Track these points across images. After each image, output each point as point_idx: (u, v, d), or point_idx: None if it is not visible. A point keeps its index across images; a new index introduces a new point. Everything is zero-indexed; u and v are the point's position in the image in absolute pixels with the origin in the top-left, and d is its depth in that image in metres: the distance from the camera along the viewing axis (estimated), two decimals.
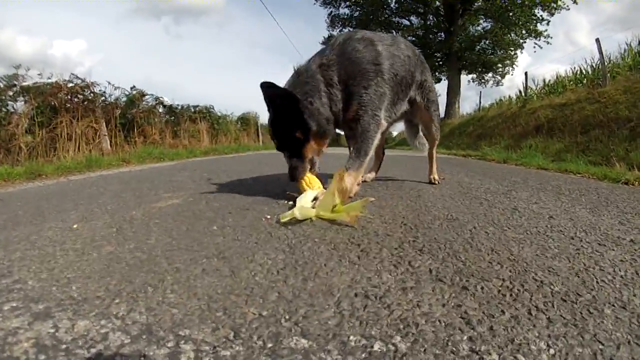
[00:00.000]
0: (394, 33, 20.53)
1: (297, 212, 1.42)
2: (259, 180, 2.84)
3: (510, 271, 0.93)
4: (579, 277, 0.91)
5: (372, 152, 1.88)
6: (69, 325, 0.70)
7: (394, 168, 4.06)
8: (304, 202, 1.53)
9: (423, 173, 3.02)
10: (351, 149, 1.96)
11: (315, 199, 1.59)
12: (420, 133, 2.77)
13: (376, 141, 1.89)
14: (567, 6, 13.76)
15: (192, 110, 10.35)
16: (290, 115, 1.73)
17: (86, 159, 5.31)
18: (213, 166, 4.61)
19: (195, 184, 2.72)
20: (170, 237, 1.30)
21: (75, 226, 1.50)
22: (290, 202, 1.77)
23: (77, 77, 7.23)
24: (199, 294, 0.83)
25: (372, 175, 2.74)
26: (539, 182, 2.97)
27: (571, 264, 1.00)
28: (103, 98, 7.97)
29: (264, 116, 14.63)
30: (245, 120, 14.19)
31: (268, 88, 1.68)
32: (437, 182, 2.64)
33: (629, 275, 0.92)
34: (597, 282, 0.88)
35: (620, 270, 0.95)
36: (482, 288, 0.84)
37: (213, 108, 11.34)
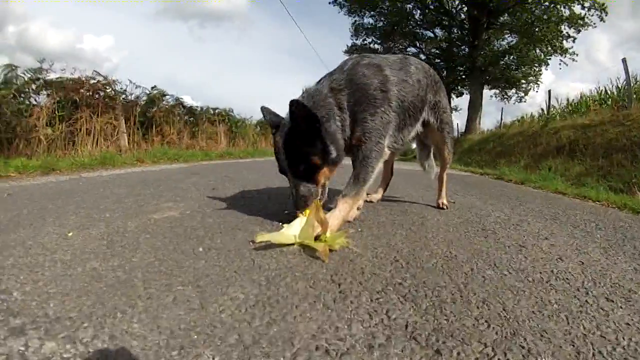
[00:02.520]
0: (418, 44, 20.44)
1: (270, 237, 1.38)
2: (262, 194, 2.80)
3: (496, 333, 0.84)
4: (574, 346, 0.81)
5: (371, 180, 1.81)
6: (38, 345, 0.72)
7: (405, 186, 3.96)
8: (292, 229, 1.46)
9: (434, 194, 2.93)
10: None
11: None
12: (432, 156, 2.69)
13: (377, 169, 1.83)
14: (594, 24, 13.36)
15: (212, 112, 10.47)
16: (310, 138, 1.65)
17: (101, 156, 5.40)
18: (223, 172, 4.61)
19: (199, 193, 2.70)
20: (155, 256, 1.27)
21: (70, 234, 1.51)
22: (285, 225, 1.73)
23: (99, 74, 7.41)
24: (162, 327, 0.81)
25: (378, 195, 2.66)
26: (555, 210, 2.84)
27: (569, 326, 0.91)
28: (124, 96, 8.14)
29: None
30: (265, 125, 14.25)
31: (298, 107, 1.59)
32: (445, 208, 2.54)
33: (632, 346, 0.83)
34: (593, 354, 0.79)
35: (623, 339, 0.86)
36: (457, 354, 0.75)
37: (232, 111, 11.49)
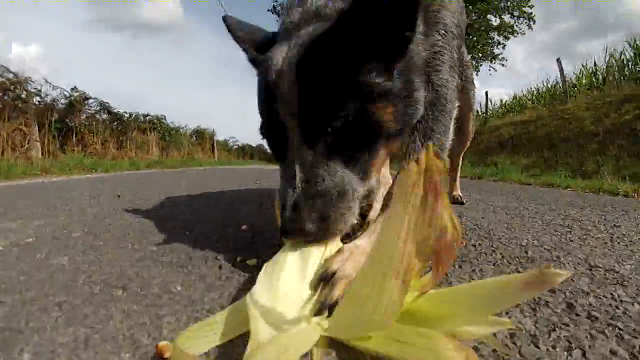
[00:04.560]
0: None
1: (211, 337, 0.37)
2: (192, 202, 1.78)
3: None
4: None
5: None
6: None
7: None
8: (282, 297, 0.42)
9: None
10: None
11: (324, 280, 0.48)
12: None
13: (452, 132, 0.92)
14: (523, 31, 13.70)
15: (142, 119, 8.84)
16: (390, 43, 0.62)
17: None
18: (147, 180, 3.49)
19: (87, 203, 1.63)
20: None
21: None
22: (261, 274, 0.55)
23: (9, 71, 5.85)
24: None
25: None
26: (556, 199, 2.15)
27: None
28: (38, 98, 6.55)
29: (220, 132, 13.57)
30: (200, 134, 12.86)
31: None
32: (463, 201, 1.78)
33: None
34: None
35: None
36: None
37: (165, 118, 9.91)
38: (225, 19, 0.88)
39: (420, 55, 0.75)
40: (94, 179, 3.69)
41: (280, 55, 0.64)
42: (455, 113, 0.90)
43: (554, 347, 0.40)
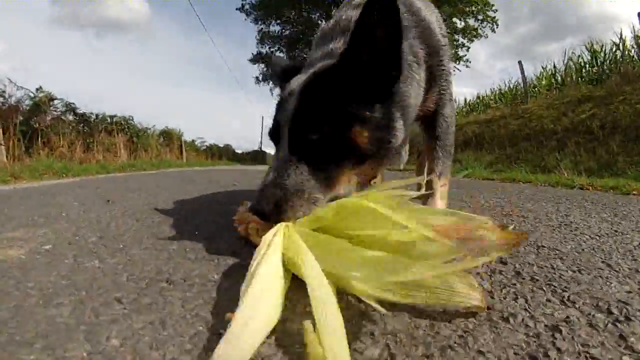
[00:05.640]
0: None
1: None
2: (185, 210, 1.88)
3: None
4: None
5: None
6: None
7: None
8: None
9: None
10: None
11: None
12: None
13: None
14: (486, 34, 14.36)
15: (109, 120, 8.63)
16: (374, 82, 0.80)
17: None
18: (125, 183, 3.50)
19: (83, 208, 1.69)
20: None
21: None
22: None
23: None
24: None
25: None
26: (518, 193, 2.40)
27: None
28: (2, 99, 6.30)
29: (188, 133, 13.48)
30: (168, 135, 12.65)
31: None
32: None
33: None
34: None
35: None
36: None
37: (132, 119, 9.73)
38: (271, 59, 1.24)
39: (420, 95, 1.02)
40: (68, 183, 3.64)
41: (295, 82, 0.88)
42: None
43: (505, 297, 0.58)
